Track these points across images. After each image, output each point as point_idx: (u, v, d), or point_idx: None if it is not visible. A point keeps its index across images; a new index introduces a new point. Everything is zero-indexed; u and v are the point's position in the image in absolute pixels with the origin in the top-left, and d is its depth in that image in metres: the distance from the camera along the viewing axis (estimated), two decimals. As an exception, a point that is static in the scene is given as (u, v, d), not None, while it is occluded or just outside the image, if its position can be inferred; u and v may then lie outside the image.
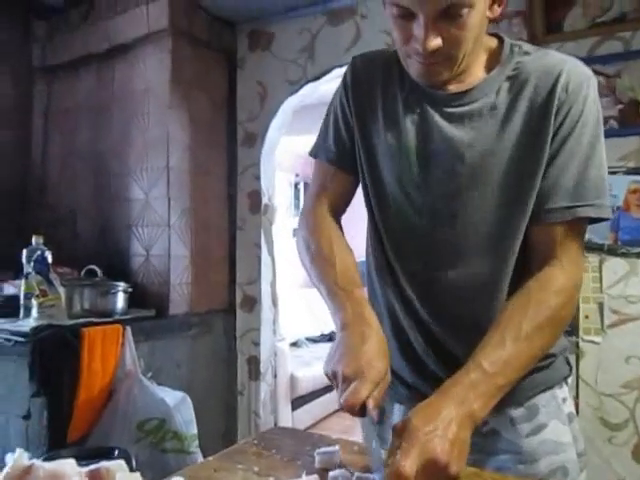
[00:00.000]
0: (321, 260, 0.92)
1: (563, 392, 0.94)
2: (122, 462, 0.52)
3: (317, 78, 2.52)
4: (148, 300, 2.36)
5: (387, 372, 0.75)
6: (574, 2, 1.95)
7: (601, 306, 1.92)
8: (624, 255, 1.89)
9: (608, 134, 1.90)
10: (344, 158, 1.00)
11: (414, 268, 0.92)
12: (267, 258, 2.72)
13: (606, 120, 1.91)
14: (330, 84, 2.58)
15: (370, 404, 0.70)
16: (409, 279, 0.93)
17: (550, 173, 0.83)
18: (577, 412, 1.90)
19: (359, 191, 1.02)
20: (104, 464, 0.51)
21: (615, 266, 1.90)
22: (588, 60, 1.93)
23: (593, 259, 1.93)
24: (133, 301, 2.28)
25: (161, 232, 2.39)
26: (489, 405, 0.73)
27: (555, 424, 0.90)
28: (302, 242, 0.98)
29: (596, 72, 1.89)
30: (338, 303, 0.84)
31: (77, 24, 2.66)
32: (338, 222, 1.02)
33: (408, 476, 0.62)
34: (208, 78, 2.61)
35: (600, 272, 1.92)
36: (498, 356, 0.75)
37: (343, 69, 2.65)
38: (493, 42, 0.91)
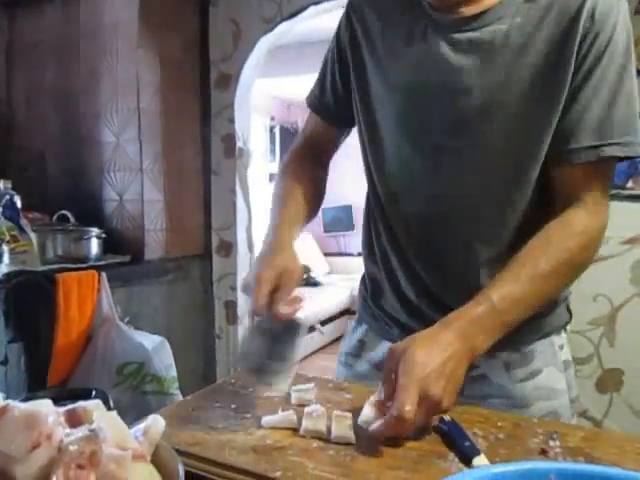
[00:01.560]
0: (280, 186, 0.97)
1: (561, 339, 0.92)
2: (99, 401, 0.52)
3: (293, 15, 2.43)
4: (123, 246, 2.34)
5: (298, 269, 0.83)
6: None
7: (571, 248, 1.96)
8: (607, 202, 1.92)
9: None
10: (338, 112, 0.98)
11: (411, 211, 0.89)
12: (242, 204, 2.70)
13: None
14: (306, 22, 2.50)
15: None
16: (404, 226, 0.91)
17: (573, 109, 0.77)
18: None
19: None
20: (81, 404, 0.51)
21: (586, 209, 1.94)
22: None
23: (565, 202, 1.96)
24: (107, 247, 2.26)
25: (134, 176, 2.34)
26: (491, 341, 0.73)
27: (550, 370, 0.89)
28: (275, 186, 1.00)
29: None
30: (271, 227, 0.90)
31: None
32: (317, 168, 1.02)
33: (411, 421, 0.63)
34: (179, 16, 2.50)
35: (572, 215, 1.96)
36: (510, 292, 0.73)
37: (319, 6, 2.56)
38: None
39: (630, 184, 1.88)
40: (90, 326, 2.00)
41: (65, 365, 1.94)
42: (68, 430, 0.48)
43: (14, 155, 2.63)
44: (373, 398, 0.70)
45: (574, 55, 0.75)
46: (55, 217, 2.24)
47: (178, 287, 2.52)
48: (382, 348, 0.96)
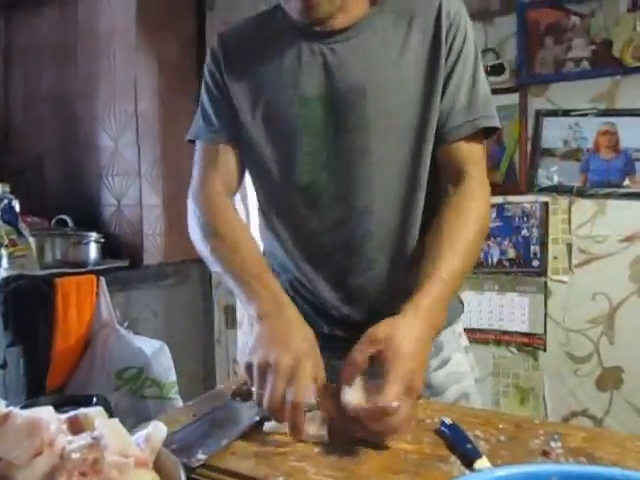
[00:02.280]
0: (220, 244, 0.89)
1: (459, 327, 1.03)
2: (101, 408, 0.52)
3: (288, 18, 2.43)
4: (121, 250, 2.33)
5: (322, 365, 0.74)
6: (551, -64, 1.90)
7: (569, 247, 1.96)
8: (593, 196, 1.93)
9: (580, 76, 1.92)
10: (228, 132, 0.96)
11: (332, 217, 0.91)
12: (241, 206, 2.70)
13: (578, 61, 1.91)
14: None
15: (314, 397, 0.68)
16: (325, 226, 0.92)
17: (446, 96, 0.88)
18: (545, 348, 2.00)
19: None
20: (83, 411, 0.51)
21: (584, 207, 1.94)
22: (563, 0, 1.91)
23: (563, 202, 1.96)
24: (106, 251, 2.25)
25: (132, 181, 2.34)
26: (445, 314, 0.79)
27: (456, 356, 0.98)
28: (198, 228, 0.94)
29: (570, 11, 1.89)
30: (251, 291, 0.81)
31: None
32: (233, 200, 1.00)
33: (394, 415, 0.64)
34: (176, 19, 2.49)
35: (569, 214, 1.96)
36: (453, 266, 0.80)
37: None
38: None
39: (627, 182, 1.89)
40: (89, 331, 1.99)
41: (64, 369, 1.93)
42: (70, 437, 0.48)
43: (12, 159, 2.63)
44: (359, 382, 0.69)
45: (443, 49, 0.88)
46: (53, 221, 2.24)
47: (177, 292, 2.51)
48: None
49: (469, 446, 0.63)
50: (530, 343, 2.04)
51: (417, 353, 0.70)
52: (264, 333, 0.75)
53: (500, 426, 0.72)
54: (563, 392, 1.98)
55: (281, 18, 0.94)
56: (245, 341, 2.75)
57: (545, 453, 0.64)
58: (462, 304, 1.05)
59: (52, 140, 2.53)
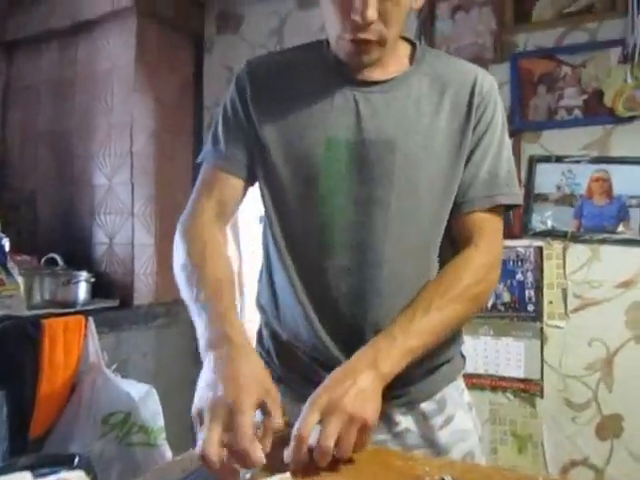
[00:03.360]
0: (196, 272, 0.86)
1: (461, 383, 1.01)
2: (82, 473, 0.49)
3: (285, 63, 2.47)
4: (112, 290, 2.29)
5: (275, 391, 0.72)
6: (543, -9, 1.96)
7: (565, 292, 1.96)
8: (587, 242, 1.93)
9: (573, 123, 1.95)
10: (235, 161, 0.95)
11: (343, 263, 0.89)
12: (232, 245, 2.68)
13: (571, 110, 1.95)
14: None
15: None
16: (335, 278, 0.90)
17: (469, 167, 0.90)
18: (542, 395, 1.96)
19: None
20: (62, 476, 0.48)
21: (578, 252, 1.95)
22: (555, 50, 1.96)
23: (557, 246, 1.97)
24: (96, 291, 2.21)
25: (125, 219, 2.32)
26: (400, 364, 0.79)
27: (460, 414, 0.96)
28: (178, 244, 0.93)
29: (562, 62, 1.94)
30: (203, 320, 0.78)
31: (40, -2, 2.55)
32: (222, 228, 0.98)
33: (307, 439, 0.67)
34: (174, 60, 2.53)
35: (564, 259, 1.96)
36: (408, 324, 0.81)
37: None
38: (405, 44, 0.97)
39: (621, 228, 1.90)
40: (76, 374, 1.93)
41: (49, 414, 1.86)
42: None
43: (5, 195, 2.61)
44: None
45: (472, 121, 0.90)
46: (43, 260, 2.20)
47: (167, 332, 2.46)
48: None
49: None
50: (527, 389, 2.00)
51: (342, 385, 0.73)
52: (211, 369, 0.71)
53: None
54: (562, 440, 1.94)
55: (317, 57, 0.95)
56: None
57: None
58: (464, 358, 1.03)
59: (46, 177, 2.53)
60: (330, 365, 0.88)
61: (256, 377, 0.70)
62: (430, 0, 2.09)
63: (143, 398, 1.96)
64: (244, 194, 0.99)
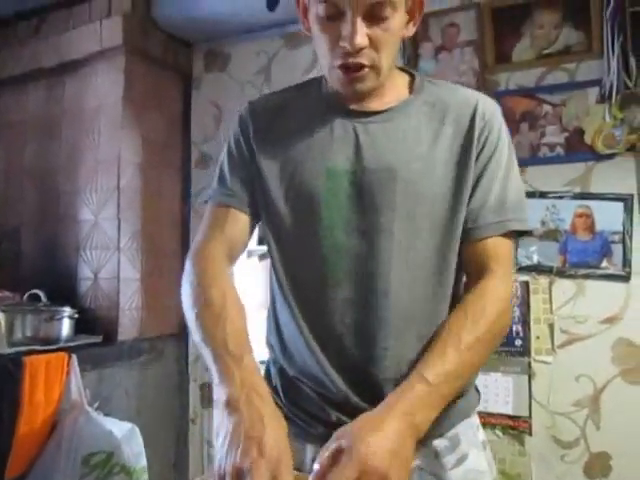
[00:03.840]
0: (207, 312, 0.83)
1: (476, 420, 0.97)
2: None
3: (273, 100, 2.51)
4: (96, 325, 2.26)
5: (291, 467, 0.70)
6: (522, 34, 2.02)
7: (551, 327, 1.96)
8: (572, 277, 1.94)
9: (555, 160, 1.99)
10: (242, 198, 0.96)
11: (346, 295, 0.87)
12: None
13: (553, 147, 1.98)
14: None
15: None
16: (339, 312, 0.88)
17: (477, 193, 0.89)
18: (530, 432, 1.94)
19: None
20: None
21: (564, 287, 1.95)
22: (536, 90, 2.01)
23: (543, 281, 1.98)
24: (80, 327, 2.18)
25: (110, 255, 2.30)
26: (433, 415, 0.75)
27: (474, 452, 0.92)
28: (189, 289, 0.88)
29: (543, 101, 1.99)
30: (225, 371, 0.76)
31: (28, 37, 2.58)
32: (232, 269, 0.97)
33: None
34: (162, 98, 2.56)
35: (550, 294, 1.97)
36: (441, 367, 0.77)
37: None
38: (403, 74, 0.97)
39: (604, 264, 1.91)
40: (56, 412, 1.89)
41: (26, 455, 1.81)
42: None
43: (-12, 230, 2.59)
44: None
45: (474, 148, 0.89)
46: (26, 296, 2.17)
47: (152, 369, 2.42)
48: (310, 452, 0.91)
49: None
50: (515, 426, 1.98)
51: (380, 443, 0.67)
52: (235, 429, 0.69)
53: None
54: (551, 479, 1.91)
55: (315, 92, 0.96)
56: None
57: None
58: (479, 393, 0.99)
59: (31, 213, 2.52)
60: (337, 401, 0.88)
61: (284, 449, 0.70)
62: (414, 40, 2.14)
63: (126, 437, 1.91)
64: (252, 231, 0.99)
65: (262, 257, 2.84)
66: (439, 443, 0.90)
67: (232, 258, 0.97)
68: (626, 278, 1.87)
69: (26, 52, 2.54)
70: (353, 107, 0.91)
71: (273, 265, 0.96)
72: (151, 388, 2.41)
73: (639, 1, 1.83)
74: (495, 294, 0.85)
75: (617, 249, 1.89)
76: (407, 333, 0.87)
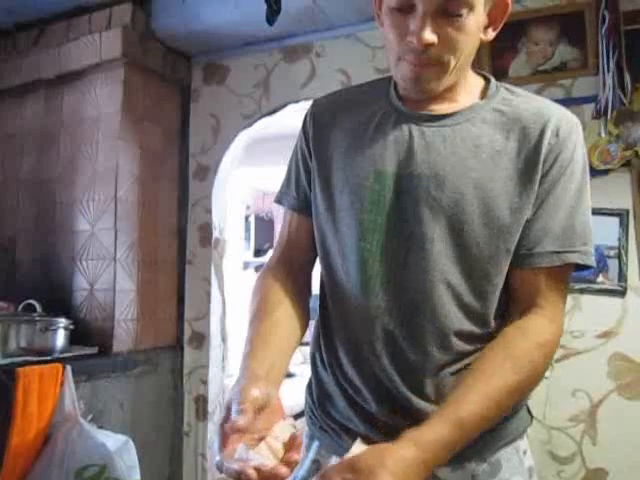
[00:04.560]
0: (256, 319, 0.86)
1: (524, 444, 0.89)
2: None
3: (271, 113, 2.52)
4: (91, 337, 2.25)
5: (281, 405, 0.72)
6: (519, 50, 2.05)
7: (547, 341, 1.96)
8: (569, 291, 1.95)
9: (551, 175, 1.99)
10: (306, 204, 0.95)
11: (378, 304, 0.84)
12: (217, 293, 2.66)
13: (549, 161, 2.00)
14: (284, 120, 2.60)
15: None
16: (369, 320, 0.85)
17: (539, 217, 0.80)
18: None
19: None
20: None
21: (560, 302, 1.95)
22: (532, 104, 2.03)
23: (539, 295, 1.98)
24: (75, 338, 2.17)
25: (106, 265, 2.30)
26: (448, 456, 0.71)
27: None
28: (249, 313, 0.90)
29: (539, 116, 2.00)
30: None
31: (26, 48, 2.59)
32: (301, 282, 0.95)
33: None
34: (160, 110, 2.57)
35: (546, 308, 1.97)
36: (479, 410, 0.72)
37: (298, 105, 2.68)
38: (479, 78, 0.91)
39: (600, 279, 1.92)
40: (49, 424, 1.87)
41: (19, 468, 1.79)
42: None
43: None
44: None
45: (540, 166, 0.80)
46: (21, 307, 2.16)
47: (146, 381, 2.41)
48: (332, 462, 0.89)
49: None
50: (512, 441, 1.97)
51: (383, 461, 0.64)
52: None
53: None
54: (548, 495, 1.90)
55: (382, 91, 0.92)
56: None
57: None
58: (531, 416, 0.92)
59: (26, 223, 2.51)
60: (364, 411, 0.85)
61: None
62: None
63: (119, 450, 1.89)
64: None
65: (258, 269, 2.83)
66: (477, 466, 0.83)
67: (302, 267, 0.97)
68: (622, 293, 1.87)
69: (25, 63, 2.55)
70: (416, 108, 0.86)
71: (321, 270, 0.94)
72: (145, 401, 2.39)
73: (634, 19, 1.86)
74: (542, 335, 0.78)
75: (613, 264, 1.89)
76: (438, 354, 0.82)
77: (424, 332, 0.82)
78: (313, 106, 0.98)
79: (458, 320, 0.82)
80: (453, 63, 0.80)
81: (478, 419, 0.71)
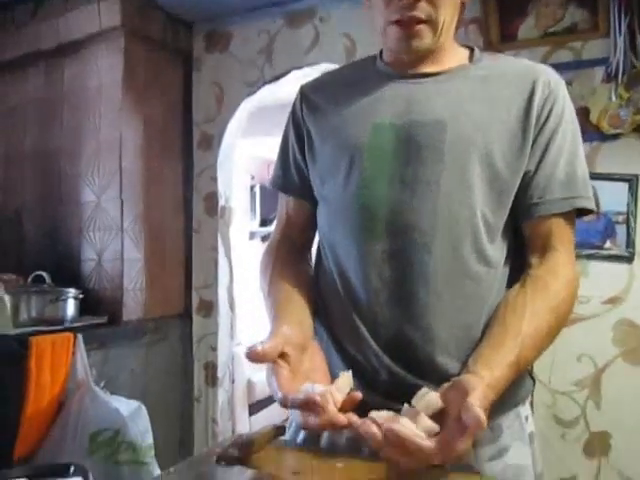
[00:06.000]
0: (269, 294, 0.91)
1: (526, 410, 0.89)
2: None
3: (275, 80, 2.49)
4: (100, 306, 2.28)
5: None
6: (528, 12, 2.00)
7: (553, 307, 1.96)
8: (576, 257, 1.94)
9: (560, 140, 1.96)
10: (303, 186, 0.98)
11: (384, 249, 0.83)
12: (224, 261, 2.68)
13: (557, 127, 1.97)
14: (287, 87, 2.56)
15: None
16: (378, 265, 0.84)
17: (543, 166, 0.83)
18: (532, 410, 1.95)
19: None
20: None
21: (566, 268, 1.95)
22: (541, 68, 1.99)
23: (546, 262, 1.98)
24: (84, 308, 2.20)
25: (114, 236, 2.31)
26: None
27: (517, 446, 0.85)
28: (262, 290, 0.94)
29: (548, 80, 1.96)
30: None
31: (25, 20, 2.55)
32: (304, 259, 1.00)
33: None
34: (163, 79, 2.54)
35: (552, 274, 1.97)
36: (529, 353, 0.75)
37: (301, 71, 2.64)
38: (465, 49, 0.94)
39: (608, 244, 1.91)
40: (63, 392, 1.91)
41: (35, 434, 1.84)
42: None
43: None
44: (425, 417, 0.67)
45: (534, 113, 0.83)
46: (30, 278, 2.18)
47: (156, 349, 2.45)
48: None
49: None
50: (517, 405, 2.00)
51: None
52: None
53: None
54: (551, 457, 1.93)
55: (370, 66, 0.96)
56: (225, 399, 2.66)
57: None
58: (533, 380, 0.92)
59: (32, 196, 2.52)
60: (370, 365, 0.84)
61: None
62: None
63: (132, 415, 1.94)
64: (313, 215, 0.99)
65: (265, 239, 2.84)
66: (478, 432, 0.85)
67: (303, 247, 1.02)
68: (629, 259, 1.87)
69: (24, 35, 2.51)
70: (409, 72, 0.89)
71: (318, 223, 0.97)
72: (156, 368, 2.44)
73: (647, -22, 1.81)
74: (567, 274, 0.81)
75: (621, 230, 1.89)
76: (446, 297, 0.81)
77: (430, 275, 0.81)
78: (301, 90, 1.01)
79: (464, 264, 0.82)
80: (441, 19, 0.84)
81: (523, 362, 0.75)
